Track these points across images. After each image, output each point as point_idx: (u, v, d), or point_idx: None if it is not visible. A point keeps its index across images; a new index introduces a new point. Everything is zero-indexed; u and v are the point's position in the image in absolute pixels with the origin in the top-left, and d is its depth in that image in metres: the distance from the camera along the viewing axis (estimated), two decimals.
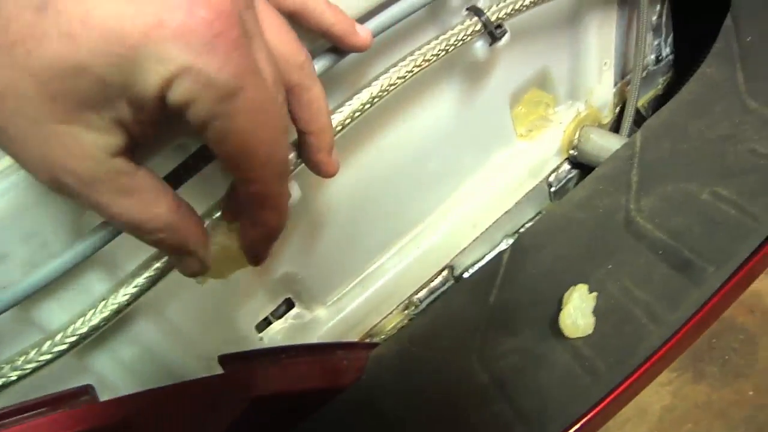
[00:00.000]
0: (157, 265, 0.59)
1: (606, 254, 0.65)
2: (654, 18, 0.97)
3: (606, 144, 0.87)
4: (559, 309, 0.59)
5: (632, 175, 0.73)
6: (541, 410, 0.53)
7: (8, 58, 0.32)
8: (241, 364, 0.57)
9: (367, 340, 0.81)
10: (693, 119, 0.77)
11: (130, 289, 0.58)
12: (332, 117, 0.60)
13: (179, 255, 0.43)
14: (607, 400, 0.53)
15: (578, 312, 0.57)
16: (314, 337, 0.79)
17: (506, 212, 0.87)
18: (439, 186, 0.82)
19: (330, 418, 0.58)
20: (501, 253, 0.69)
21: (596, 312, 0.58)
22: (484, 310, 0.63)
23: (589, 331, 0.57)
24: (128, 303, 0.59)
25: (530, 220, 0.93)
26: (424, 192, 0.81)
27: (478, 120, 0.80)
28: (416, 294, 0.83)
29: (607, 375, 0.54)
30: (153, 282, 0.59)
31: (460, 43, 0.65)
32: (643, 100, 1.03)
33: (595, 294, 0.59)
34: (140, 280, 0.59)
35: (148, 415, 0.50)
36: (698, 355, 1.47)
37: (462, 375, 0.58)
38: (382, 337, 0.82)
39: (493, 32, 0.67)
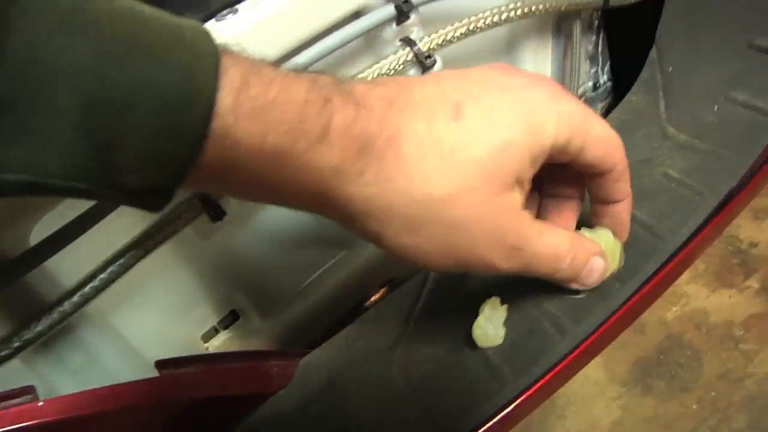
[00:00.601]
0: (102, 275, 0.63)
1: None
2: (590, 47, 1.02)
3: None
4: (473, 319, 0.63)
5: None
6: (450, 414, 0.58)
7: (453, 160, 0.43)
8: (176, 368, 0.60)
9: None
10: None
11: (75, 298, 0.62)
12: None
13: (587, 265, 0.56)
14: (512, 405, 0.57)
15: (489, 323, 0.61)
16: (257, 347, 0.83)
17: None
18: None
19: (259, 422, 0.62)
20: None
21: (507, 323, 0.62)
22: (408, 322, 0.67)
23: (499, 341, 0.61)
24: (73, 311, 0.62)
25: None
26: None
27: None
28: (358, 306, 0.87)
29: (513, 382, 0.58)
30: (98, 291, 0.63)
31: (393, 71, 0.70)
32: None
33: (506, 306, 0.63)
34: (85, 289, 0.62)
35: (86, 414, 0.53)
36: (647, 370, 1.52)
37: (382, 381, 0.62)
38: None
39: (423, 62, 0.72)
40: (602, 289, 0.64)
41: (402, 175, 0.43)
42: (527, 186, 0.49)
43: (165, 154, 0.35)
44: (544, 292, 0.66)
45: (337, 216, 0.45)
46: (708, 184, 0.72)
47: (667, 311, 1.60)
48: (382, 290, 0.88)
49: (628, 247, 0.68)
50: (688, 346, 1.54)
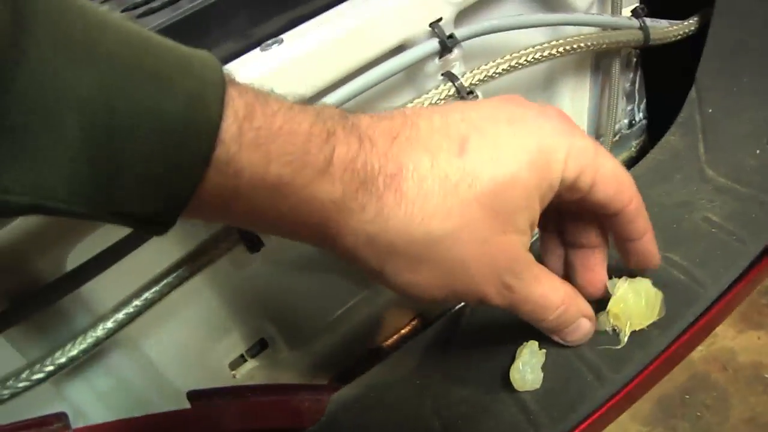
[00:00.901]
0: (136, 302, 0.63)
1: None
2: (627, 85, 1.02)
3: None
4: (511, 363, 0.62)
5: None
6: None
7: (456, 197, 0.42)
8: (208, 401, 0.60)
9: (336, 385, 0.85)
10: (654, 185, 0.81)
11: (108, 324, 0.62)
12: None
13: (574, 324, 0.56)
14: None
15: (527, 367, 0.60)
16: (285, 378, 0.82)
17: None
18: None
19: None
20: (462, 306, 0.73)
21: (545, 368, 0.61)
22: (442, 359, 0.67)
23: (537, 385, 0.60)
24: (106, 337, 0.62)
25: None
26: None
27: None
28: (386, 341, 0.86)
29: (550, 428, 0.57)
30: (131, 318, 0.63)
31: None
32: None
33: (544, 351, 0.62)
34: (119, 315, 0.62)
35: None
36: (671, 411, 1.49)
37: (416, 421, 0.61)
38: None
39: (464, 97, 0.72)
40: (641, 337, 0.63)
41: (403, 212, 0.42)
42: (534, 225, 0.48)
43: (167, 181, 0.35)
44: None
45: (337, 250, 0.44)
46: (750, 230, 0.71)
47: (693, 350, 1.57)
48: (412, 324, 0.87)
49: (668, 293, 0.67)
50: (714, 387, 1.51)
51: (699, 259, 0.69)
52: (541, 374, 0.61)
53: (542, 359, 0.62)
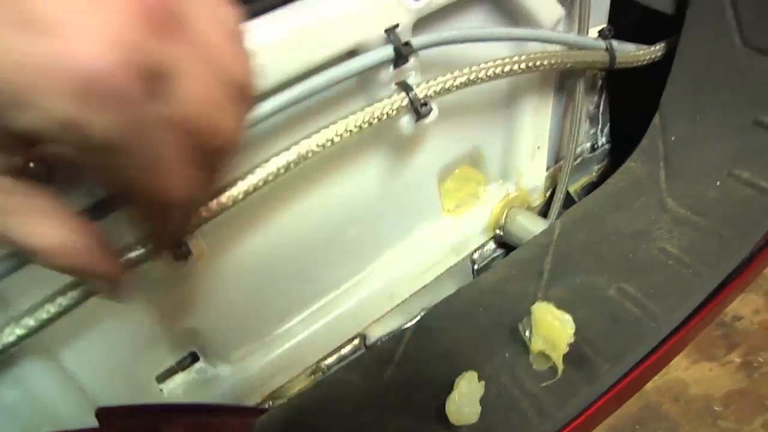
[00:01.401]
0: (50, 308, 0.58)
1: (505, 343, 0.65)
2: (591, 108, 0.99)
3: (531, 227, 0.88)
4: (449, 393, 0.58)
5: (545, 263, 0.73)
6: None
7: None
8: (120, 420, 0.55)
9: (269, 403, 0.80)
10: (612, 212, 0.78)
11: (17, 330, 0.57)
12: (247, 177, 0.60)
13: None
14: None
15: (464, 399, 0.57)
16: (216, 394, 0.77)
17: (425, 286, 0.87)
18: (358, 254, 0.82)
19: None
20: (403, 330, 0.69)
21: (484, 401, 0.58)
22: (378, 386, 0.63)
23: (474, 419, 0.57)
24: (14, 344, 0.57)
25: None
26: (341, 259, 0.80)
27: (404, 192, 0.81)
28: (324, 360, 0.82)
29: None
30: (43, 324, 0.57)
31: (385, 116, 0.66)
32: (576, 186, 1.05)
33: (483, 383, 0.58)
34: (30, 321, 0.57)
35: None
36: None
37: None
38: (280, 402, 0.80)
39: (418, 109, 0.68)
40: (588, 370, 0.60)
41: None
42: None
43: None
44: (524, 369, 0.62)
45: None
46: (707, 263, 0.68)
47: None
48: (352, 343, 0.83)
49: (619, 326, 0.64)
50: (665, 418, 1.49)
51: (653, 291, 0.67)
52: (479, 407, 0.57)
53: (481, 391, 0.58)
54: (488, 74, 0.72)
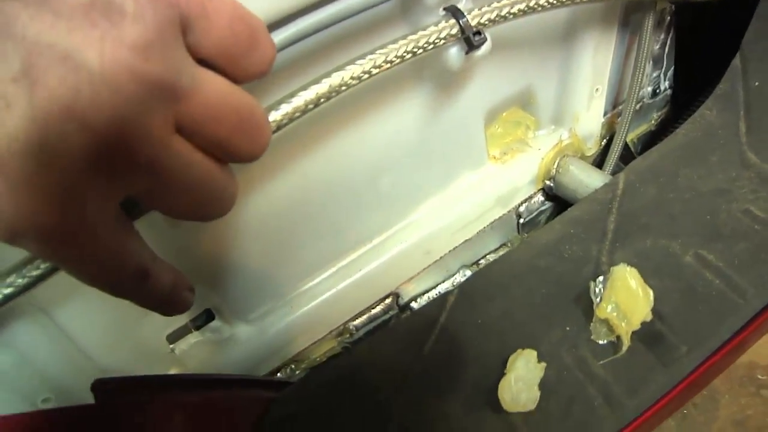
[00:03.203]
0: (41, 263, 0.50)
1: (565, 314, 0.56)
2: (656, 47, 0.88)
3: (586, 179, 0.78)
4: (501, 373, 0.50)
5: (609, 222, 0.64)
6: None
7: None
8: (120, 395, 0.47)
9: (290, 367, 0.73)
10: (685, 167, 0.68)
11: (4, 290, 0.49)
12: (271, 113, 0.51)
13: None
14: None
15: (521, 383, 0.48)
16: (231, 356, 0.70)
17: (466, 241, 0.78)
18: (393, 204, 0.73)
19: None
20: (445, 294, 0.60)
21: (543, 384, 0.49)
22: (416, 362, 0.54)
23: (532, 407, 0.48)
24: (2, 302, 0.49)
25: (493, 251, 0.84)
26: (374, 209, 0.72)
27: (447, 136, 0.71)
28: (353, 321, 0.74)
29: None
30: (34, 282, 0.49)
31: (431, 46, 0.56)
32: (633, 135, 0.94)
33: (543, 365, 0.50)
34: (18, 279, 0.49)
35: None
36: None
37: None
38: (303, 366, 0.73)
39: (470, 38, 0.58)
40: (664, 352, 0.51)
41: None
42: None
43: None
44: (589, 346, 0.53)
45: None
46: None
47: None
48: (384, 302, 0.75)
49: (700, 301, 0.55)
50: None
51: (738, 261, 0.57)
52: (538, 393, 0.49)
53: (540, 374, 0.50)
54: (550, 2, 0.62)
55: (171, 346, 0.70)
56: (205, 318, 0.71)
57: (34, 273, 0.49)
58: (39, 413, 0.44)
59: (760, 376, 1.41)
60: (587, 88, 0.80)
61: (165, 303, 0.40)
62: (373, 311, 0.76)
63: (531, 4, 0.61)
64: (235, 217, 0.61)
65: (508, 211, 0.81)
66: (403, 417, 0.50)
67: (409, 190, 0.73)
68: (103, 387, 0.47)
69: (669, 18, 0.86)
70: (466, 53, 0.60)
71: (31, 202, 0.28)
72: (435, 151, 0.72)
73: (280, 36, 0.50)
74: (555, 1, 0.63)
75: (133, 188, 0.32)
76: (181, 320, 0.69)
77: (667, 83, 0.94)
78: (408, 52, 0.55)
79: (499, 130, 0.79)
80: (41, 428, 0.43)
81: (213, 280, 0.66)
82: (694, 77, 0.90)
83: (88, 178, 0.29)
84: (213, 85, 0.33)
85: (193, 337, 0.70)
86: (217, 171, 0.35)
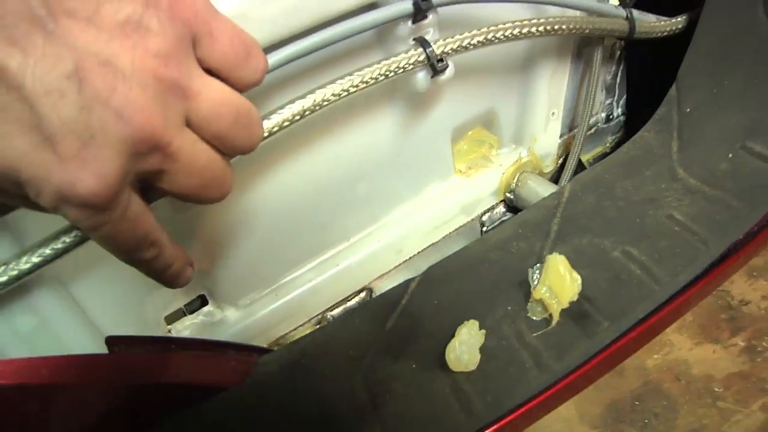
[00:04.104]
0: (65, 238, 0.59)
1: (508, 296, 0.66)
2: (608, 77, 0.99)
3: (542, 192, 0.88)
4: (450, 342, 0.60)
5: (553, 223, 0.74)
6: None
7: None
8: (129, 348, 0.56)
9: (275, 348, 0.81)
10: (622, 179, 0.79)
11: (33, 258, 0.58)
12: (264, 122, 0.61)
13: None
14: None
15: (464, 346, 0.58)
16: (222, 337, 0.78)
17: (433, 244, 0.88)
18: (369, 208, 0.83)
19: (206, 414, 0.58)
20: (409, 281, 0.70)
21: (484, 350, 0.59)
22: (380, 334, 0.64)
23: (473, 367, 0.58)
24: (29, 271, 0.58)
25: None
26: (352, 211, 0.81)
27: (417, 149, 0.81)
28: (330, 311, 0.83)
29: (482, 413, 0.55)
30: (58, 254, 0.59)
31: (401, 70, 0.66)
32: (589, 156, 1.05)
33: (484, 331, 0.59)
34: (46, 250, 0.58)
35: (29, 382, 0.49)
36: (620, 416, 1.48)
37: (344, 392, 0.58)
38: None
39: (434, 65, 0.68)
40: (588, 326, 0.61)
41: None
42: None
43: None
44: (525, 322, 0.63)
45: None
46: (713, 232, 0.69)
47: (649, 358, 1.57)
48: (359, 296, 0.85)
49: (622, 286, 0.64)
50: (665, 396, 1.50)
51: (658, 255, 0.67)
52: (479, 356, 0.58)
53: (481, 340, 0.59)
54: (506, 35, 0.72)
55: (168, 327, 0.79)
56: (200, 303, 0.80)
57: (60, 246, 0.58)
58: (59, 357, 0.52)
59: (716, 389, 1.49)
60: (544, 112, 0.91)
61: (169, 274, 0.47)
62: (348, 303, 0.84)
63: (489, 36, 0.71)
64: (229, 213, 0.70)
65: (472, 219, 0.91)
66: (366, 372, 0.59)
67: (384, 195, 0.83)
68: (115, 341, 0.56)
69: (619, 52, 0.98)
70: (432, 77, 0.70)
71: (76, 173, 0.36)
72: (407, 161, 0.82)
73: (274, 57, 0.60)
74: (510, 35, 0.73)
75: (152, 168, 0.40)
76: (177, 303, 0.78)
77: (620, 110, 1.05)
78: (381, 75, 0.65)
79: (464, 146, 0.89)
80: (61, 368, 0.52)
81: (208, 268, 0.75)
82: (644, 106, 1.01)
83: (120, 156, 0.37)
84: (216, 88, 0.42)
85: (188, 320, 0.79)
86: (218, 159, 0.43)
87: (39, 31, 0.34)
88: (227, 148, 0.44)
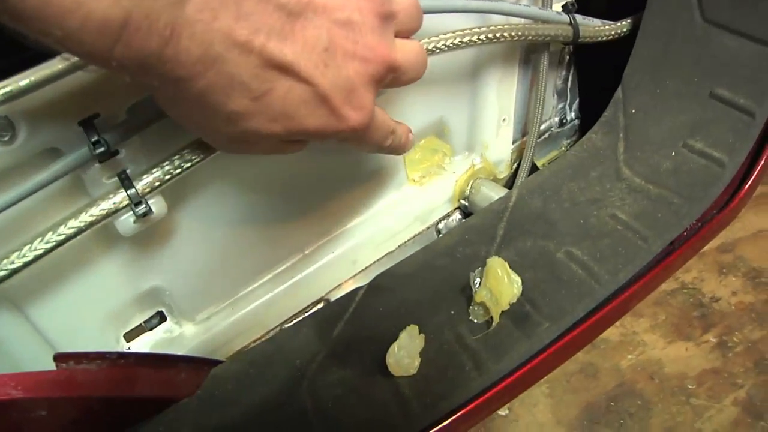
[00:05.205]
0: (14, 259, 0.59)
1: (451, 301, 0.67)
2: (559, 83, 1.01)
3: (495, 197, 0.90)
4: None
5: (499, 228, 0.75)
6: None
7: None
8: (78, 364, 0.57)
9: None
10: (569, 181, 0.80)
11: None
12: None
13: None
14: None
15: (404, 351, 0.59)
16: (181, 352, 0.79)
17: (389, 253, 0.89)
18: (323, 219, 0.84)
19: (156, 428, 0.59)
20: (356, 289, 0.71)
21: (424, 354, 0.60)
22: (326, 342, 0.65)
23: (412, 371, 0.59)
24: None
25: None
26: (306, 222, 0.82)
27: (369, 160, 0.83)
28: (287, 323, 0.84)
29: (420, 416, 0.55)
30: (7, 276, 0.59)
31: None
32: (545, 160, 1.06)
33: (422, 336, 0.60)
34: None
35: None
36: (595, 417, 1.49)
37: (289, 400, 0.59)
38: None
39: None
40: (528, 327, 0.62)
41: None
42: None
43: None
44: (467, 325, 0.64)
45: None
46: (654, 229, 0.70)
47: (623, 358, 1.58)
48: (316, 307, 0.85)
49: (564, 287, 0.66)
50: (639, 396, 1.51)
51: (600, 254, 0.69)
52: (418, 359, 0.59)
53: (421, 344, 0.60)
54: (448, 44, 0.74)
55: (127, 344, 0.79)
56: (159, 320, 0.80)
57: (9, 266, 0.59)
58: (6, 375, 0.53)
59: (689, 386, 1.51)
60: (494, 119, 0.92)
61: (402, 146, 0.63)
62: (305, 315, 0.85)
63: (430, 47, 0.73)
64: (182, 228, 0.71)
65: (428, 227, 0.92)
66: (311, 380, 0.60)
67: (337, 207, 0.84)
68: (64, 357, 0.56)
69: (568, 57, 0.99)
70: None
71: (347, 116, 0.49)
72: (360, 172, 0.83)
73: None
74: (452, 44, 0.74)
75: (388, 81, 0.53)
76: (136, 321, 0.79)
77: (573, 114, 1.06)
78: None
79: (417, 156, 0.90)
80: (7, 385, 0.52)
81: (163, 284, 0.75)
82: (597, 108, 1.03)
83: (372, 89, 0.50)
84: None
85: (147, 336, 0.80)
86: (417, 44, 0.56)
87: (298, 22, 0.44)
88: (411, 33, 0.56)
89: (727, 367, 1.53)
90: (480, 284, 0.64)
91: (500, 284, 0.62)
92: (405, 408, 0.56)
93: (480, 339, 0.61)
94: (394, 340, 0.61)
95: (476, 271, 0.66)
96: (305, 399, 0.59)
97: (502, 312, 0.63)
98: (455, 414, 0.56)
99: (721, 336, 1.59)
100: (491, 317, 0.63)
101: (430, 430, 0.55)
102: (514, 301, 0.63)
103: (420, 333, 0.61)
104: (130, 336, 0.79)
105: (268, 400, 0.60)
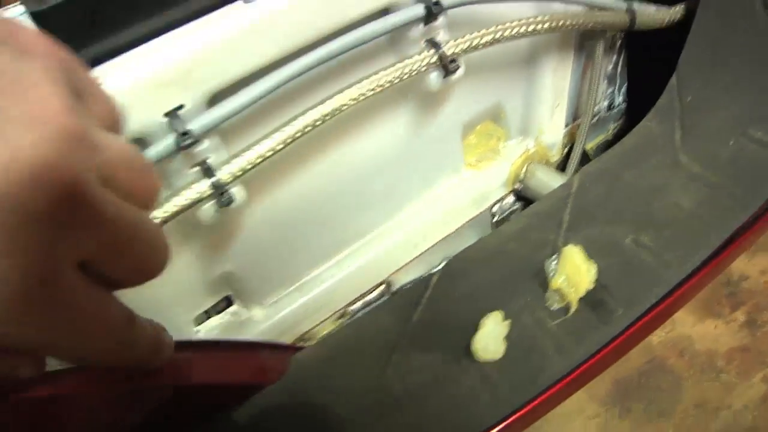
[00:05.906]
0: None
1: (527, 286, 0.69)
2: (609, 68, 1.02)
3: (549, 182, 0.91)
4: (474, 333, 0.63)
5: (565, 214, 0.77)
6: (442, 426, 0.57)
7: None
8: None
9: (300, 344, 0.85)
10: (628, 168, 0.82)
11: None
12: (284, 129, 0.63)
13: None
14: (505, 422, 0.57)
15: (489, 337, 0.61)
16: (249, 336, 0.81)
17: (447, 236, 0.91)
18: (385, 204, 0.86)
19: (246, 414, 0.61)
20: (430, 275, 0.73)
21: (508, 339, 0.62)
22: (406, 327, 0.67)
23: (498, 356, 0.61)
24: None
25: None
26: (369, 208, 0.84)
27: (429, 146, 0.84)
28: (351, 305, 0.86)
29: (508, 398, 0.58)
30: None
31: (415, 73, 0.69)
32: (592, 144, 1.08)
33: (508, 321, 0.63)
34: None
35: (68, 394, 0.52)
36: (627, 392, 1.52)
37: (377, 386, 0.61)
38: (311, 342, 0.85)
39: (447, 66, 0.71)
40: (604, 313, 0.64)
41: None
42: None
43: None
44: (544, 310, 0.66)
45: None
46: (717, 218, 0.72)
47: (653, 335, 1.60)
48: (378, 289, 0.88)
49: (635, 273, 0.68)
50: (669, 372, 1.54)
51: (666, 242, 0.70)
52: (504, 345, 0.61)
53: (506, 330, 0.62)
54: (513, 33, 0.75)
55: (196, 328, 0.82)
56: (226, 303, 0.83)
57: None
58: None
59: (719, 363, 1.53)
60: (549, 104, 0.93)
61: (153, 346, 0.40)
62: (369, 297, 0.88)
63: (497, 36, 0.74)
64: (255, 216, 0.73)
65: (483, 211, 0.94)
66: (396, 366, 0.63)
67: (398, 192, 0.86)
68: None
69: (620, 42, 1.00)
70: (444, 78, 0.73)
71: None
72: (420, 158, 0.85)
73: (294, 66, 0.62)
74: (517, 33, 0.76)
75: (86, 245, 0.28)
76: (204, 305, 0.81)
77: (621, 98, 1.08)
78: (396, 78, 0.68)
79: (474, 140, 0.92)
80: (107, 379, 0.54)
81: (234, 269, 0.77)
82: (645, 93, 1.04)
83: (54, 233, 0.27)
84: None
85: (215, 320, 0.82)
86: (144, 215, 0.32)
87: None
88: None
89: (756, 345, 1.55)
90: (556, 271, 0.66)
91: (578, 272, 0.65)
92: (494, 391, 0.59)
93: (559, 324, 0.63)
94: (474, 324, 0.63)
95: (551, 258, 0.68)
96: (393, 384, 0.61)
97: (579, 298, 0.65)
98: (541, 396, 0.58)
99: (750, 314, 1.61)
100: (568, 303, 0.65)
101: (519, 412, 0.57)
102: (591, 287, 0.65)
103: (503, 319, 0.63)
104: (198, 320, 0.81)
105: (355, 385, 0.62)
